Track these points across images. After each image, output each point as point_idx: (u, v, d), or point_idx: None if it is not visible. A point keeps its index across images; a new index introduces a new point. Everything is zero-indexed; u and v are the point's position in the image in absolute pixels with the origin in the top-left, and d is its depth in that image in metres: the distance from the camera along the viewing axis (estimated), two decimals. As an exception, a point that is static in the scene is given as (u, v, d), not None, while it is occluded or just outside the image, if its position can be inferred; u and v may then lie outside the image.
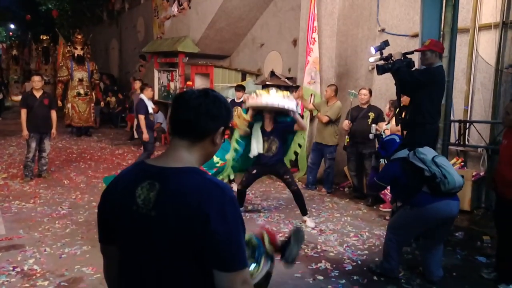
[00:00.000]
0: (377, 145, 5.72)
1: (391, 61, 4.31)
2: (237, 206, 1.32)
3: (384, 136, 4.51)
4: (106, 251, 1.46)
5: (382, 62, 4.41)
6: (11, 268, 3.86)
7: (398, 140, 3.96)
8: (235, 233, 1.27)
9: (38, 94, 6.89)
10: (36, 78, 6.99)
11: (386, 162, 4.11)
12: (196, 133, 1.38)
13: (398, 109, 5.04)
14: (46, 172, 7.13)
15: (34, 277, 3.72)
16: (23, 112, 6.78)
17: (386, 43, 4.52)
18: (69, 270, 3.86)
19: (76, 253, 4.23)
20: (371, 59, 4.76)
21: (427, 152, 3.65)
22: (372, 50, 4.64)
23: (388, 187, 4.32)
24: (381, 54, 4.49)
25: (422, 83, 4.24)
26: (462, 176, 3.73)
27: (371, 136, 5.63)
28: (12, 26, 33.87)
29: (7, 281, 3.64)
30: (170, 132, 1.43)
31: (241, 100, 7.74)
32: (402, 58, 4.33)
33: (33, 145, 6.81)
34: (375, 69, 4.49)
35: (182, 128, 1.39)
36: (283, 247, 2.01)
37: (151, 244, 1.31)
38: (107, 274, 1.52)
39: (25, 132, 6.74)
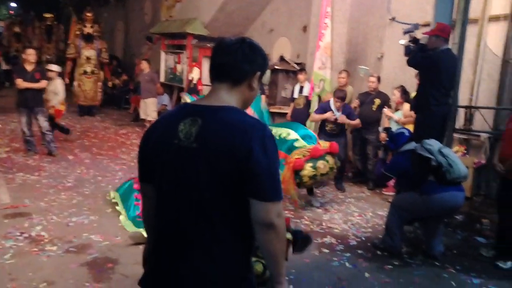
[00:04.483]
0: (384, 136, 5.78)
1: (418, 44, 4.47)
2: (275, 142, 1.40)
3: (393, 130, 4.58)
4: (146, 190, 1.53)
5: (411, 44, 4.57)
6: (18, 234, 3.88)
7: (407, 134, 4.06)
8: (273, 165, 1.36)
9: (30, 68, 6.66)
10: (30, 51, 6.79)
11: (393, 154, 4.19)
12: (234, 75, 1.45)
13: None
14: (56, 151, 6.95)
15: (42, 242, 3.76)
16: (20, 81, 6.52)
17: (416, 26, 4.65)
18: (77, 237, 3.90)
19: (84, 222, 4.27)
20: (402, 41, 4.85)
21: (434, 144, 3.78)
22: (403, 32, 4.77)
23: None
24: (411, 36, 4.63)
25: (424, 67, 4.44)
26: (467, 167, 3.83)
27: (380, 129, 5.69)
28: (13, 4, 33.48)
29: (15, 245, 3.67)
30: (211, 79, 1.50)
31: None
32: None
33: (23, 119, 6.68)
34: (404, 49, 4.67)
35: (221, 72, 1.46)
36: (293, 242, 2.69)
37: (190, 176, 1.36)
38: (146, 213, 1.58)
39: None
